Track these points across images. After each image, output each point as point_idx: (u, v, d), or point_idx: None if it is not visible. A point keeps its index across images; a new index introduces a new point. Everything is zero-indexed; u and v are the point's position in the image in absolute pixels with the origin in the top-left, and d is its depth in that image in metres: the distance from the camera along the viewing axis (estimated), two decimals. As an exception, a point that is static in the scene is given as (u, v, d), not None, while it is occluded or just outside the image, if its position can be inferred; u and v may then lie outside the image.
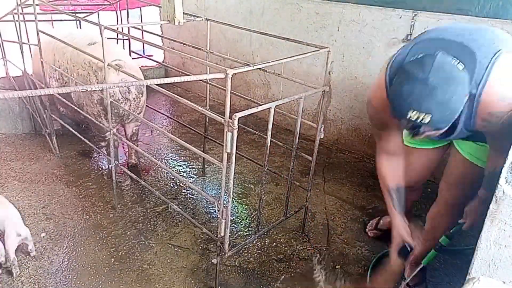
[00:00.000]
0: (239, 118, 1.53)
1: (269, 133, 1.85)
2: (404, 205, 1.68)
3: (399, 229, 1.65)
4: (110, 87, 2.41)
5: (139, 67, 2.96)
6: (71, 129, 2.94)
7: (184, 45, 2.80)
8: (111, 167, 2.51)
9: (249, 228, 2.52)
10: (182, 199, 2.78)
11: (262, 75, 4.06)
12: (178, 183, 2.95)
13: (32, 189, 2.79)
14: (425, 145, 1.84)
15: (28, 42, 3.34)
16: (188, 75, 1.86)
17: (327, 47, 2.01)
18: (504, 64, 1.24)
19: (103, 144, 2.91)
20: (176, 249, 2.30)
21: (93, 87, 1.46)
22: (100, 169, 3.11)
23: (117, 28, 3.19)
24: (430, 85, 1.16)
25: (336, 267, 2.21)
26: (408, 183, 1.72)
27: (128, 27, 4.06)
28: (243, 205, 2.75)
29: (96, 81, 2.61)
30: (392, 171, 1.66)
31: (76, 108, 2.81)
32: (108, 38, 4.31)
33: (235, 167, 1.66)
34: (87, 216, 2.54)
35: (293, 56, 1.94)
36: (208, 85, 2.77)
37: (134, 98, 2.68)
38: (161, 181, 2.99)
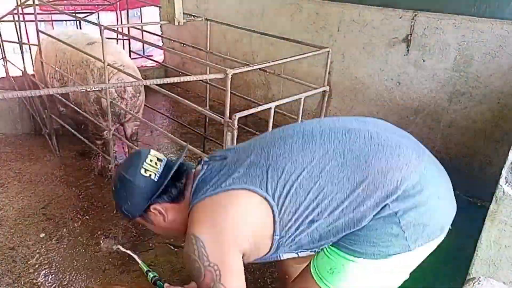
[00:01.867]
0: (239, 118, 1.53)
1: (269, 133, 1.85)
2: None
3: None
4: (108, 87, 2.41)
5: (139, 67, 2.96)
6: (71, 129, 2.94)
7: (184, 45, 2.80)
8: (110, 167, 2.51)
9: (249, 228, 2.51)
10: (182, 199, 2.78)
11: (262, 75, 4.05)
12: (178, 183, 2.94)
13: (32, 190, 2.78)
14: None
15: (28, 42, 3.34)
16: (188, 75, 1.86)
17: (327, 48, 2.01)
18: (204, 207, 1.12)
19: (99, 142, 2.90)
20: (176, 250, 2.30)
21: (92, 87, 1.46)
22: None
23: (117, 28, 3.19)
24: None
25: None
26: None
27: (128, 27, 4.06)
28: (243, 205, 2.74)
29: (93, 80, 2.61)
30: None
31: (74, 107, 2.81)
32: (108, 38, 4.31)
33: (235, 167, 1.66)
34: (87, 217, 2.54)
35: (293, 57, 1.94)
36: (208, 85, 2.77)
37: (130, 98, 2.67)
38: (161, 181, 2.98)
